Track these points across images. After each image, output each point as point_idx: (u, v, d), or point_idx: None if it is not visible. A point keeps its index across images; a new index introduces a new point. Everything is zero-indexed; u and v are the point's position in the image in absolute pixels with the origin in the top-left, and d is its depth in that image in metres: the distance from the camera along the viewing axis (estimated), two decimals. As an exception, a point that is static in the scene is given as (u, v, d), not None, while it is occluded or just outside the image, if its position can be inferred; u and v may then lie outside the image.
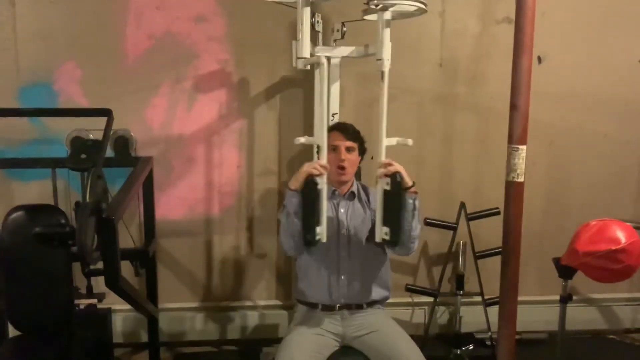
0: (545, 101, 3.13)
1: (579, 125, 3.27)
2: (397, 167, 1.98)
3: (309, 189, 1.94)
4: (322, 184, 1.97)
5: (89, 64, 2.95)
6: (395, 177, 1.95)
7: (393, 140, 2.03)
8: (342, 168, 2.21)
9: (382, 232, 2.00)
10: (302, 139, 2.06)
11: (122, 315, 3.12)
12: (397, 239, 1.97)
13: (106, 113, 2.23)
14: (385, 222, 1.99)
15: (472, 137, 3.25)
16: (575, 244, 2.10)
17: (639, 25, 3.24)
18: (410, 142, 2.03)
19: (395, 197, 1.96)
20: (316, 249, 2.19)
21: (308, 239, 1.96)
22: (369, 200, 2.32)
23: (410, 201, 2.01)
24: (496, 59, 3.13)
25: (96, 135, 2.66)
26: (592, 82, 3.24)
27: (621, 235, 1.99)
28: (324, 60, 2.05)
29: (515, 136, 2.28)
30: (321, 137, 2.03)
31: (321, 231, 1.98)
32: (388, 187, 1.97)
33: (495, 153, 3.14)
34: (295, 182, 2.03)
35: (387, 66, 2.04)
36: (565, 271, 2.22)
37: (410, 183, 2.01)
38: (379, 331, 2.15)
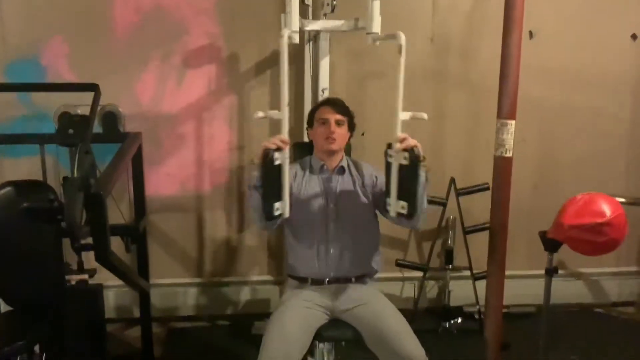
0: (536, 77, 3.14)
1: (569, 101, 3.28)
2: (414, 141, 1.96)
3: (266, 164, 1.90)
4: (282, 159, 1.91)
5: (76, 39, 2.92)
6: (412, 152, 1.92)
7: (407, 115, 2.00)
8: (332, 139, 2.21)
9: (398, 206, 1.97)
10: (260, 113, 1.96)
11: (114, 290, 3.14)
12: (414, 212, 1.95)
13: (93, 88, 2.21)
14: (400, 196, 1.96)
15: (463, 113, 3.25)
16: (561, 218, 2.11)
17: (631, 0, 3.23)
18: (425, 116, 1.99)
19: (413, 171, 1.93)
20: (305, 223, 2.21)
21: (266, 213, 1.94)
22: (359, 174, 2.32)
23: (424, 175, 2.02)
24: (488, 34, 3.11)
25: (84, 110, 2.64)
26: (583, 58, 3.24)
27: (606, 208, 2.00)
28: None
29: (504, 111, 2.29)
30: (283, 111, 1.94)
31: (281, 206, 1.94)
32: (406, 162, 1.93)
33: (486, 129, 3.13)
34: (257, 157, 1.98)
35: (403, 39, 1.96)
36: (550, 244, 2.24)
37: (423, 157, 1.99)
38: (367, 304, 2.17)
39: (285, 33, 1.88)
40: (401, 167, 1.95)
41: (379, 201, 2.21)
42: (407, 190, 1.94)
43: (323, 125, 2.25)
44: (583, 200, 2.08)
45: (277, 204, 1.92)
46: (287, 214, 1.95)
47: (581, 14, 3.20)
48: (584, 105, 3.29)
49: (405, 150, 1.93)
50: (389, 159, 1.97)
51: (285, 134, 1.93)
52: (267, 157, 1.88)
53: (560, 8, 3.18)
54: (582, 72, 3.25)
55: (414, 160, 1.91)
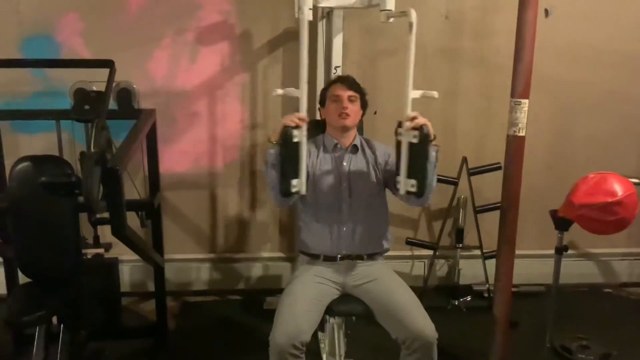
0: (551, 55, 3.10)
1: (583, 80, 3.24)
2: (423, 119, 1.97)
3: (285, 141, 1.92)
4: (300, 136, 1.93)
5: (91, 15, 2.93)
6: (422, 130, 1.94)
7: (417, 93, 2.01)
8: (345, 115, 2.22)
9: (407, 185, 2.00)
10: (280, 91, 1.99)
11: (129, 265, 3.20)
12: (423, 190, 1.99)
13: (108, 64, 2.23)
14: (410, 175, 1.99)
15: (477, 92, 3.23)
16: (572, 196, 2.12)
17: (649, -22, 3.18)
18: (435, 94, 2.00)
19: (422, 149, 1.96)
20: (318, 201, 2.23)
21: (283, 190, 1.97)
22: (373, 153, 2.33)
23: (434, 154, 2.04)
24: (503, 11, 3.08)
25: (99, 87, 2.66)
26: (598, 37, 3.19)
27: (618, 188, 2.01)
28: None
29: (518, 90, 2.27)
30: (302, 89, 1.96)
31: (298, 183, 1.97)
32: (415, 140, 1.95)
33: (499, 108, 3.12)
34: (274, 135, 2.02)
35: (414, 17, 1.96)
36: (561, 223, 2.26)
37: (432, 136, 2.01)
38: (378, 280, 2.20)
39: (306, 8, 1.90)
40: (411, 146, 1.96)
41: (390, 179, 2.24)
42: (417, 169, 1.97)
43: (335, 102, 2.25)
44: (595, 180, 2.08)
45: (294, 181, 1.95)
46: (303, 191, 1.98)
47: (598, -8, 3.15)
48: (598, 84, 3.26)
49: (415, 128, 1.95)
50: (399, 137, 1.98)
51: (303, 112, 1.95)
52: (286, 135, 1.90)
53: (577, -15, 3.13)
54: (597, 51, 3.21)
55: (424, 138, 1.93)
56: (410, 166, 1.98)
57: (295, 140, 1.91)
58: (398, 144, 2.01)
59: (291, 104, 3.12)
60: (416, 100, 3.19)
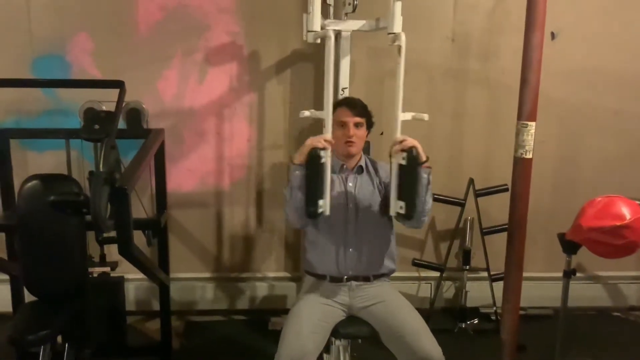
0: (557, 77, 3.12)
1: (590, 102, 3.25)
2: (412, 141, 2.01)
3: (313, 162, 1.97)
4: (326, 157, 2.00)
5: (101, 36, 2.97)
6: (411, 152, 1.98)
7: (408, 115, 2.05)
8: (351, 143, 2.23)
9: (397, 206, 2.04)
10: (307, 112, 2.09)
11: (134, 284, 3.20)
12: (412, 212, 2.02)
13: (119, 85, 2.25)
14: (400, 197, 2.03)
15: (483, 113, 3.24)
16: (580, 220, 2.11)
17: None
18: (426, 117, 2.05)
19: (411, 171, 1.99)
20: (325, 222, 2.22)
21: (310, 212, 2.01)
22: (377, 173, 2.33)
23: (425, 175, 2.05)
24: (509, 33, 3.10)
25: (108, 107, 2.68)
26: (605, 59, 3.21)
27: (626, 211, 2.00)
28: (331, 34, 2.06)
29: (525, 112, 2.28)
30: (327, 111, 2.04)
31: (324, 204, 2.02)
32: (404, 162, 1.99)
33: (506, 129, 3.12)
34: (300, 156, 2.05)
35: (403, 41, 2.03)
36: (569, 246, 2.24)
37: (424, 158, 2.03)
38: (385, 302, 2.18)
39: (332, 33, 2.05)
40: (401, 168, 2.01)
41: (385, 201, 2.25)
42: (406, 191, 2.01)
43: (342, 128, 2.24)
44: (602, 203, 2.08)
45: (320, 202, 2.00)
46: (328, 212, 2.04)
47: (602, 15, 3.16)
48: (605, 106, 3.26)
49: (403, 150, 1.99)
50: (391, 159, 2.05)
51: (328, 133, 2.02)
52: (314, 156, 1.96)
53: (582, 9, 3.15)
54: (604, 72, 3.22)
55: (412, 160, 1.97)
56: (399, 188, 2.02)
57: (322, 161, 1.98)
58: (392, 166, 2.05)
59: (298, 125, 3.16)
60: (423, 122, 3.23)
